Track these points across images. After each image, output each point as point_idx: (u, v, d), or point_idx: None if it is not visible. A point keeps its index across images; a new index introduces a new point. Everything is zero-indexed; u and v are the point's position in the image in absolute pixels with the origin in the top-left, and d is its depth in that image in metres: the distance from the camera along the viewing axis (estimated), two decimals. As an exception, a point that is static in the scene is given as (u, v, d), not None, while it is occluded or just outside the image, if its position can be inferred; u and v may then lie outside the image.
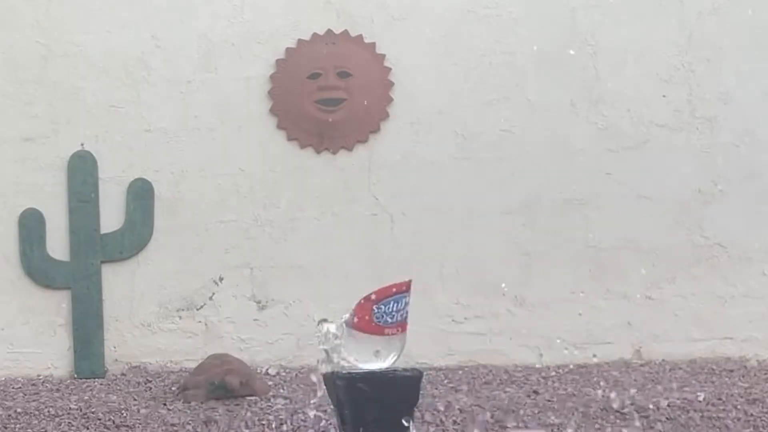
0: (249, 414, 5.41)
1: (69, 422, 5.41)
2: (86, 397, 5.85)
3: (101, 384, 6.16)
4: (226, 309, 6.43)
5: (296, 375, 6.21)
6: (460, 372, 6.19)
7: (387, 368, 3.40)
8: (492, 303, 6.40)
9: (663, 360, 6.32)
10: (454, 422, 5.22)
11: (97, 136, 6.45)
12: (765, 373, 6.04)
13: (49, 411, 5.54)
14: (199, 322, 6.43)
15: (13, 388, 6.15)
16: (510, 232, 6.40)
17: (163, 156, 6.45)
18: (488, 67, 6.44)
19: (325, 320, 3.47)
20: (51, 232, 6.40)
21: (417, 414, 4.86)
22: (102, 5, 6.48)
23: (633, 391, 5.63)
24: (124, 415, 5.45)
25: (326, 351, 3.47)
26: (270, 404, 5.54)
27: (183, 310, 6.44)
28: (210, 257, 6.44)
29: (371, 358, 3.37)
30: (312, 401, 5.54)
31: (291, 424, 5.27)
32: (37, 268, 6.41)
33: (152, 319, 6.45)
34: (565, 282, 6.39)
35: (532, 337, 6.39)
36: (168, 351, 6.44)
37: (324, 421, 5.26)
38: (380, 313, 3.33)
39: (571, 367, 6.26)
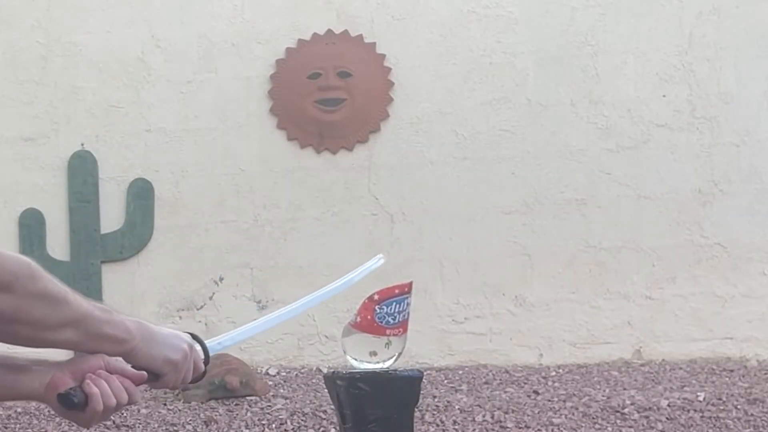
0: (249, 414, 5.41)
1: (69, 422, 5.41)
2: (86, 397, 5.84)
3: (101, 384, 6.15)
4: (226, 309, 6.43)
5: (296, 375, 6.21)
6: (460, 372, 6.19)
7: (387, 368, 3.40)
8: (492, 303, 6.40)
9: (663, 360, 6.32)
10: (454, 422, 5.22)
11: (97, 136, 6.45)
12: (765, 373, 6.04)
13: (49, 411, 5.53)
14: (199, 322, 6.43)
15: (13, 388, 6.14)
16: (510, 232, 6.40)
17: (163, 156, 6.45)
18: (488, 67, 6.44)
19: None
20: (51, 232, 6.40)
21: (417, 414, 4.86)
22: (102, 5, 6.47)
23: (633, 391, 5.64)
24: (124, 415, 5.45)
25: None
26: (270, 404, 5.54)
27: (183, 310, 6.44)
28: (210, 257, 6.44)
29: (372, 358, 3.37)
30: (312, 401, 5.54)
31: (291, 424, 5.28)
32: (37, 268, 6.40)
33: (152, 319, 6.40)
34: (565, 282, 6.39)
35: (532, 337, 6.39)
36: (168, 351, 6.43)
37: (324, 421, 5.26)
38: (382, 313, 3.33)
39: (571, 367, 6.26)
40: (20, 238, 6.40)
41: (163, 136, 6.46)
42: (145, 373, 1.88)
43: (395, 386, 3.38)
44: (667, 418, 5.22)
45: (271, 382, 5.97)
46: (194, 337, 2.00)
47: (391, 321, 3.34)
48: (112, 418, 5.43)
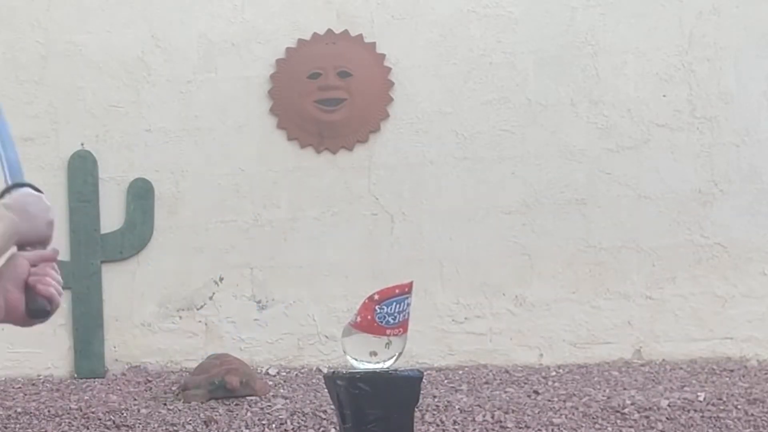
0: (249, 414, 5.41)
1: (69, 422, 5.41)
2: (86, 397, 5.85)
3: (101, 384, 6.16)
4: (226, 309, 6.43)
5: (296, 375, 6.21)
6: (460, 372, 6.19)
7: (387, 368, 3.40)
8: (492, 303, 6.40)
9: (663, 360, 6.32)
10: (454, 422, 5.22)
11: (97, 136, 6.45)
12: (765, 373, 6.04)
13: (49, 411, 5.54)
14: (199, 322, 6.43)
15: (13, 388, 6.15)
16: (510, 232, 6.40)
17: (163, 156, 6.45)
18: (488, 67, 6.44)
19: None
20: (51, 231, 6.39)
21: (417, 414, 4.87)
22: (102, 5, 6.47)
23: (633, 391, 5.64)
24: (124, 415, 5.45)
25: None
26: (270, 404, 5.54)
27: (183, 310, 6.44)
28: (210, 257, 6.44)
29: (372, 358, 3.37)
30: (312, 401, 5.54)
31: (291, 424, 5.28)
32: (37, 268, 6.40)
33: (152, 319, 6.44)
34: (565, 282, 6.39)
35: (532, 337, 6.39)
36: (168, 351, 6.43)
37: (324, 421, 5.26)
38: (383, 313, 3.34)
39: (571, 367, 6.26)
40: (20, 238, 6.39)
41: (163, 136, 6.46)
42: (57, 249, 1.97)
43: (395, 386, 3.39)
44: (667, 418, 5.22)
45: (271, 382, 5.97)
46: (29, 186, 2.10)
47: (392, 321, 3.34)
48: (111, 417, 5.44)
